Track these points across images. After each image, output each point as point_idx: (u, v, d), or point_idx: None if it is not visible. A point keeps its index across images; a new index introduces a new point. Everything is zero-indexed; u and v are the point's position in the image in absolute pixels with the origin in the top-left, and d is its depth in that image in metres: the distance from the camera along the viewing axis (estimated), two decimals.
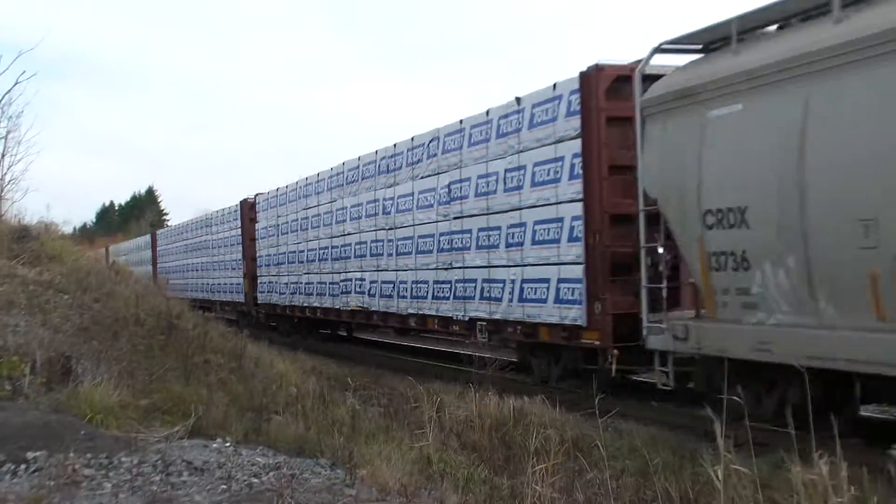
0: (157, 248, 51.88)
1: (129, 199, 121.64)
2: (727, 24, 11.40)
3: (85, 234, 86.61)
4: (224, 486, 7.65)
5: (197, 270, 42.05)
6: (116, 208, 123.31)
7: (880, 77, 9.07)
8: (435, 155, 19.86)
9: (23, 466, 7.86)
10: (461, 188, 18.59)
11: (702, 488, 7.79)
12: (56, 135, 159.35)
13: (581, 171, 14.84)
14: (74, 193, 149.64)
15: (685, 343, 11.94)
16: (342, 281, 25.27)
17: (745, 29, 11.40)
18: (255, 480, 7.85)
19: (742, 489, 6.30)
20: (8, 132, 29.41)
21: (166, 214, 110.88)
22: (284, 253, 30.35)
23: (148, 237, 56.84)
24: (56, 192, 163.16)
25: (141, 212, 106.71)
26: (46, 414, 9.36)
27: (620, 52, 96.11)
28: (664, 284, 12.56)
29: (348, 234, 24.95)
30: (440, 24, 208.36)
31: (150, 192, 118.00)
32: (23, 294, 14.93)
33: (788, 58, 10.24)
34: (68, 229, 54.61)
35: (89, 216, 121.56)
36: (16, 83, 28.39)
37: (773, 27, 11.42)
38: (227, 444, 9.23)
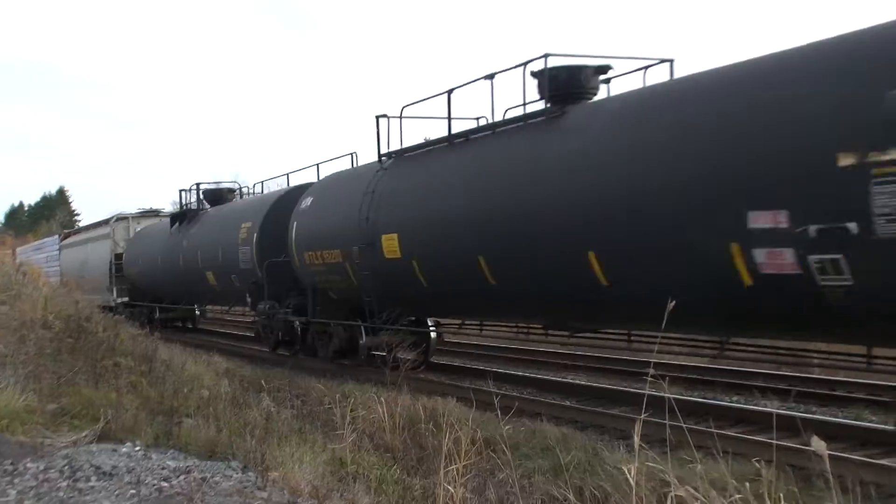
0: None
1: (38, 199, 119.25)
2: None
3: None
4: (133, 491, 7.54)
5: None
6: (26, 209, 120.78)
7: None
8: None
9: None
10: None
11: (612, 486, 7.90)
12: None
13: None
14: None
15: None
16: None
17: None
18: (165, 485, 7.76)
19: (653, 488, 6.40)
20: None
21: (78, 215, 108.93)
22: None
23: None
24: None
25: (51, 212, 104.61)
26: None
27: None
28: None
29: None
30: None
31: (62, 193, 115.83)
32: None
33: None
34: None
35: None
36: None
37: None
38: (137, 449, 9.10)
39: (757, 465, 6.18)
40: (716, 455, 6.76)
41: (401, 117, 17.65)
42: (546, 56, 13.41)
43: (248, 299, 24.32)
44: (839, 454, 9.36)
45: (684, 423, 6.62)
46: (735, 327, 11.28)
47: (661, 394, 6.41)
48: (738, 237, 9.44)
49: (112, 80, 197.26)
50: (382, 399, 11.71)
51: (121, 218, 38.54)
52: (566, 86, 13.26)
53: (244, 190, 31.09)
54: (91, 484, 7.71)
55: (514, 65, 13.99)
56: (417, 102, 17.24)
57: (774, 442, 8.21)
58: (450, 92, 15.98)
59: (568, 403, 14.59)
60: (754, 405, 13.46)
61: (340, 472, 8.70)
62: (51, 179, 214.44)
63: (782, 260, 9.02)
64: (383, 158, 18.03)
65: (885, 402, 13.32)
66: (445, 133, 16.12)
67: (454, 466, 7.92)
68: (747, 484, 5.29)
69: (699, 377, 16.07)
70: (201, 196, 30.25)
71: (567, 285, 12.41)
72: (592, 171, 11.72)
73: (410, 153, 17.39)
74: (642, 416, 6.60)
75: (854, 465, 8.82)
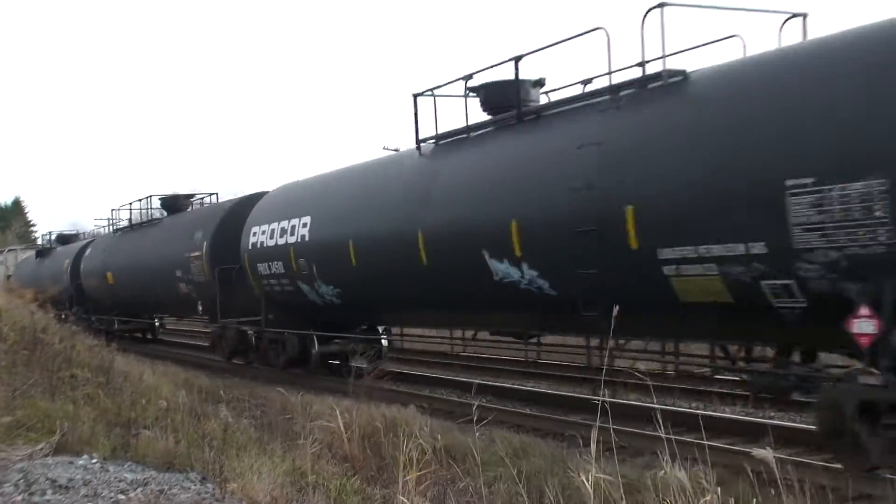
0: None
1: None
2: None
3: None
4: None
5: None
6: None
7: None
8: None
9: None
10: None
11: (572, 494, 7.93)
12: None
13: None
14: None
15: None
16: None
17: None
18: (122, 497, 7.71)
19: (611, 493, 6.44)
20: None
21: (34, 226, 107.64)
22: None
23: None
24: None
25: (7, 223, 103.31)
26: None
27: None
28: None
29: None
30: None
31: (17, 204, 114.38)
32: None
33: None
34: None
35: None
36: None
37: None
38: (94, 461, 9.03)
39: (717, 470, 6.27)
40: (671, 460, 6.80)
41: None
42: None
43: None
44: (796, 458, 9.48)
45: (668, 435, 6.69)
46: None
47: (621, 400, 6.48)
48: None
49: (70, 87, 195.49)
50: (342, 408, 11.68)
51: (10, 250, 60.03)
52: None
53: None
54: (47, 497, 7.65)
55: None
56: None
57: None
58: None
59: (528, 411, 14.65)
60: (713, 411, 13.58)
61: (300, 483, 8.67)
62: (6, 190, 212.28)
63: None
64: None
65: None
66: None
67: (410, 476, 7.92)
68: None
69: (659, 384, 16.15)
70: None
71: None
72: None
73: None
74: (597, 423, 6.66)
75: (810, 469, 8.94)
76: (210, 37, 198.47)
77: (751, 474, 7.02)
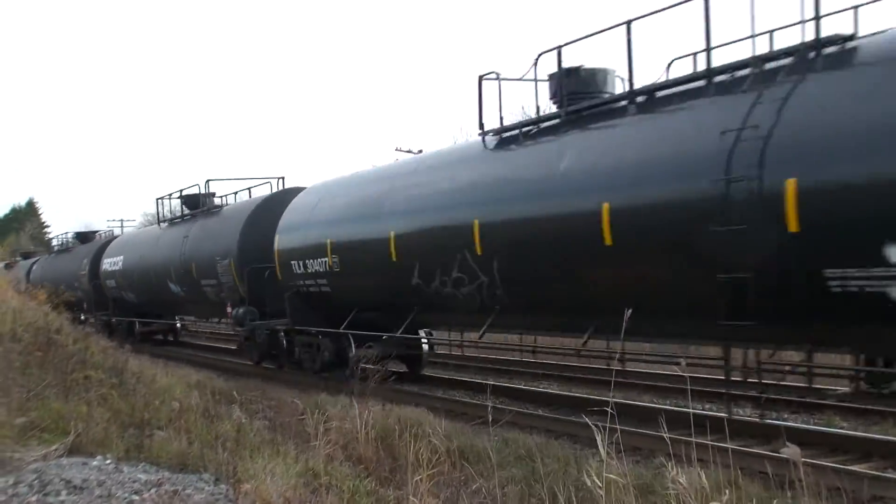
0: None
1: (8, 211, 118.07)
2: None
3: None
4: None
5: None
6: None
7: None
8: None
9: None
10: None
11: (586, 495, 7.91)
12: None
13: None
14: None
15: None
16: None
17: None
18: (136, 498, 7.73)
19: (624, 495, 6.42)
20: None
21: (48, 227, 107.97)
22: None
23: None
24: None
25: (21, 224, 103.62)
26: None
27: None
28: None
29: None
30: None
31: (31, 205, 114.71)
32: None
33: None
34: None
35: None
36: None
37: None
38: (108, 462, 9.06)
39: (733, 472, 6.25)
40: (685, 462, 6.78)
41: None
42: None
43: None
44: (811, 461, 9.44)
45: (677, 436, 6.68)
46: None
47: (630, 401, 6.46)
48: None
49: (83, 89, 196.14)
50: (356, 409, 11.67)
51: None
52: None
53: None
54: (61, 498, 7.66)
55: None
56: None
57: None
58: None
59: (541, 412, 14.63)
60: (724, 413, 13.53)
61: (313, 484, 8.66)
62: (20, 191, 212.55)
63: None
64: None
65: (855, 408, 13.43)
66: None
67: (420, 475, 7.92)
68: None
69: (670, 385, 16.10)
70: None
71: None
72: None
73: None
74: (607, 425, 6.64)
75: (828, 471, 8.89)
76: (214, 37, 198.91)
77: (773, 477, 6.99)
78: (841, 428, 12.68)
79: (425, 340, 19.39)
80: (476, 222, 13.94)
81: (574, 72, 13.52)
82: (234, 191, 27.30)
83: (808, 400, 14.10)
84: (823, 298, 9.24)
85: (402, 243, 15.97)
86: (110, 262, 34.28)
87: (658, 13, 11.73)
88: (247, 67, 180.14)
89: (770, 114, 9.75)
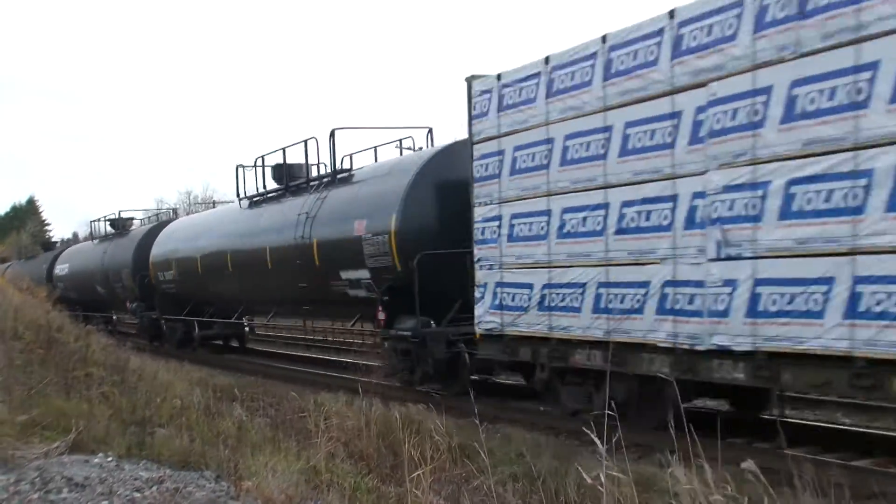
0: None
1: (8, 209, 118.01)
2: None
3: None
4: (105, 502, 7.51)
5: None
6: None
7: None
8: None
9: None
10: None
11: (586, 492, 7.90)
12: None
13: None
14: None
15: None
16: None
17: None
18: (138, 495, 7.72)
19: (624, 492, 6.41)
20: None
21: (48, 225, 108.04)
22: None
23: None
24: None
25: (22, 223, 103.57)
26: None
27: None
28: None
29: None
30: None
31: (31, 203, 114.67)
32: None
33: None
34: None
35: None
36: None
37: None
38: (109, 459, 9.05)
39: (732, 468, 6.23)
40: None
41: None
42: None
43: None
44: (815, 457, 9.43)
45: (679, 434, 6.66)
46: None
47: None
48: None
49: (80, 89, 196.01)
50: (356, 407, 11.68)
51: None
52: None
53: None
54: (63, 496, 7.66)
55: None
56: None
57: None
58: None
59: (542, 409, 14.62)
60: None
61: (315, 481, 8.67)
62: (20, 189, 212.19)
63: None
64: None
65: (858, 404, 13.41)
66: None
67: (419, 472, 7.91)
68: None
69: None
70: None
71: None
72: None
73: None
74: (605, 422, 6.65)
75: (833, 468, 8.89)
76: (214, 37, 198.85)
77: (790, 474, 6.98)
78: (842, 424, 12.67)
79: (247, 326, 29.87)
80: (228, 252, 24.36)
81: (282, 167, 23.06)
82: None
83: (809, 396, 14.10)
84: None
85: (205, 262, 25.78)
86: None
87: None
88: (247, 67, 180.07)
89: (318, 204, 19.86)
